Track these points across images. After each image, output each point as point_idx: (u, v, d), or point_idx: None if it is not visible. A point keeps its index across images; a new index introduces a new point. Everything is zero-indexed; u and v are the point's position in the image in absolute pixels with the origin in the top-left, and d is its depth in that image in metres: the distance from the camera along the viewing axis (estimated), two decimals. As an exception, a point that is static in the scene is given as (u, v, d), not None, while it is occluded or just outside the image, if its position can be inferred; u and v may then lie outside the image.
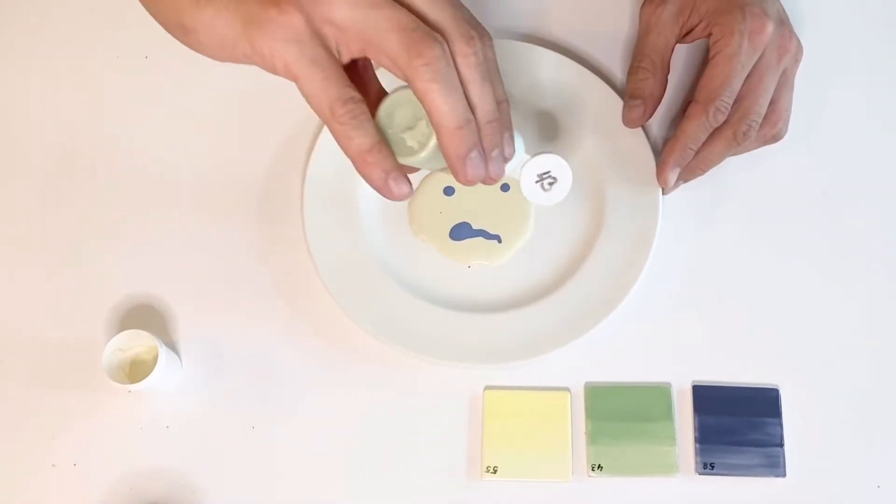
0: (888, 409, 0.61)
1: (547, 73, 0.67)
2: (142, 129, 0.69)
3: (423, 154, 0.50)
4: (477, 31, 0.48)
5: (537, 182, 0.55)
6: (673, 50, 0.64)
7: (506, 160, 0.51)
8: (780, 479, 0.59)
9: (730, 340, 0.63)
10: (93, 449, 0.61)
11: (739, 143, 0.61)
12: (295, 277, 0.64)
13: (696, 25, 0.63)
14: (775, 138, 0.63)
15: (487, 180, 0.50)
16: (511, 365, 0.61)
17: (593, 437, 0.60)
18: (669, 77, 0.64)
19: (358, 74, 0.51)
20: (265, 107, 0.68)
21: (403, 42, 0.45)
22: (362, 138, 0.47)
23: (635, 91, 0.64)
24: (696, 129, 0.60)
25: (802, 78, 0.63)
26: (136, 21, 0.64)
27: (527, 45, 0.68)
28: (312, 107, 0.47)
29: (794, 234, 0.65)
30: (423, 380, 0.62)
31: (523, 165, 0.54)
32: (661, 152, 0.63)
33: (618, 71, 0.69)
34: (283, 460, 0.60)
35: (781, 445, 0.60)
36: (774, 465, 0.59)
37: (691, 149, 0.61)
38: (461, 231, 0.65)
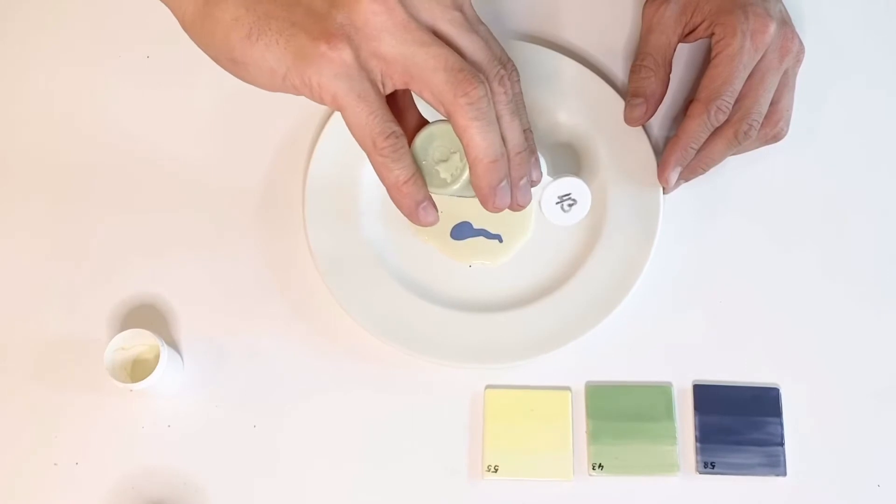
0: (889, 408, 0.61)
1: (546, 71, 0.67)
2: (144, 128, 0.69)
3: (456, 186, 0.53)
4: (506, 68, 0.50)
5: (557, 203, 0.57)
6: (675, 49, 0.64)
7: (533, 185, 0.54)
8: (780, 479, 0.59)
9: (730, 340, 0.63)
10: (95, 448, 0.61)
11: (740, 143, 0.61)
12: (297, 277, 0.64)
13: (699, 25, 0.63)
14: (776, 138, 0.63)
15: (516, 207, 0.53)
16: (512, 365, 0.61)
17: (594, 437, 0.60)
18: (671, 76, 0.64)
19: (397, 101, 0.53)
20: (266, 107, 0.68)
21: (450, 81, 0.47)
22: (400, 170, 0.50)
23: (637, 90, 0.64)
24: (697, 128, 0.60)
25: (804, 78, 0.64)
26: (137, 21, 0.64)
27: (528, 44, 0.68)
28: (356, 137, 0.49)
29: (795, 234, 0.65)
30: (424, 379, 0.62)
31: (545, 188, 0.56)
32: (662, 152, 0.63)
33: (619, 70, 0.69)
34: (284, 459, 0.61)
35: (782, 445, 0.60)
36: (775, 465, 0.59)
37: (692, 148, 0.61)
38: (462, 230, 0.65)
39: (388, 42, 0.47)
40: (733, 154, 0.63)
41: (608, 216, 0.64)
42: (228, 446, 0.61)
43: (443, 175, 0.53)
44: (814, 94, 0.67)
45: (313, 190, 0.64)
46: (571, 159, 0.66)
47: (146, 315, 0.64)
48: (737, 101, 0.60)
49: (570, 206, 0.57)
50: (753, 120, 0.60)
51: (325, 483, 0.60)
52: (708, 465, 0.59)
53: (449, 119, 0.49)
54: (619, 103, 0.65)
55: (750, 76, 0.60)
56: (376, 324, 0.61)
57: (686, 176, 0.62)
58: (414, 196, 0.51)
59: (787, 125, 0.63)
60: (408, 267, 0.64)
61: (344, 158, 0.65)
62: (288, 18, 0.47)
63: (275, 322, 0.63)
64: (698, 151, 0.62)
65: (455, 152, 0.52)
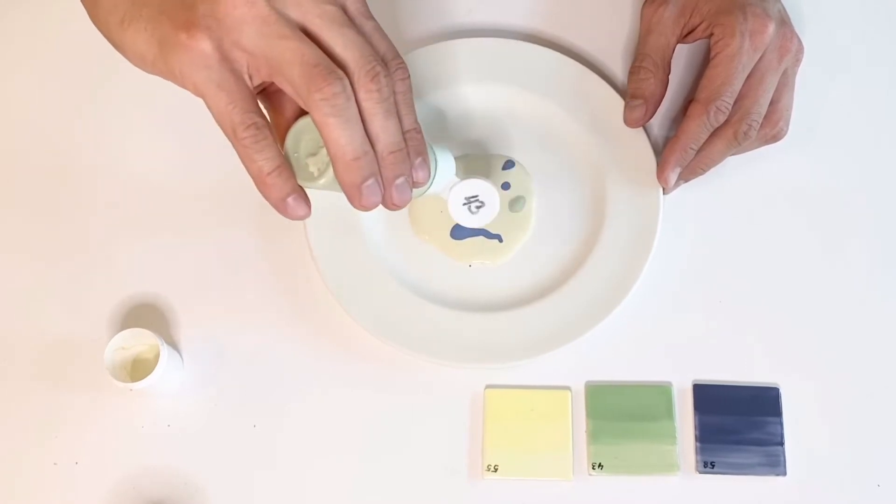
0: (888, 408, 0.61)
1: (547, 72, 0.67)
2: (144, 128, 0.69)
3: (322, 181, 0.52)
4: (384, 67, 0.49)
5: (465, 205, 0.58)
6: (674, 50, 0.64)
7: (416, 185, 0.53)
8: (780, 478, 0.59)
9: (730, 340, 0.63)
10: (94, 447, 0.61)
11: (740, 143, 0.61)
12: (297, 277, 0.64)
13: (698, 26, 0.63)
14: (776, 138, 0.63)
15: (390, 206, 0.52)
16: (512, 365, 0.61)
17: (594, 436, 0.60)
18: (670, 77, 0.65)
19: (278, 94, 0.53)
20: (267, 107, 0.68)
21: (304, 76, 0.47)
22: (263, 161, 0.49)
23: (636, 91, 0.64)
24: (697, 128, 0.61)
25: (803, 77, 0.64)
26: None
27: (527, 44, 0.68)
28: (219, 126, 0.49)
29: (795, 234, 0.65)
30: (424, 378, 0.62)
31: (452, 187, 0.57)
32: (661, 152, 0.63)
33: (618, 71, 0.69)
34: (284, 459, 0.61)
35: (782, 444, 0.60)
36: (775, 464, 0.59)
37: (692, 148, 0.61)
38: (462, 230, 0.65)
39: (248, 34, 0.47)
40: (733, 154, 0.63)
41: (608, 216, 0.64)
42: (228, 446, 0.61)
43: (311, 168, 0.52)
44: (813, 94, 0.67)
45: (314, 190, 0.64)
46: (570, 160, 0.66)
47: (146, 315, 0.64)
48: (736, 102, 0.60)
49: (477, 207, 0.58)
50: (753, 120, 0.60)
51: (325, 482, 0.60)
52: (708, 465, 0.59)
53: (310, 115, 0.49)
54: (619, 103, 0.65)
55: (749, 76, 0.60)
56: (376, 323, 0.61)
57: (686, 176, 0.63)
58: (280, 188, 0.50)
59: (787, 125, 0.63)
60: (408, 267, 0.64)
61: None
62: (158, 6, 0.48)
63: (275, 322, 0.63)
64: (698, 152, 0.62)
65: (322, 146, 0.51)
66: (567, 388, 0.62)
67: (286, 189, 0.50)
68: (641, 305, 0.63)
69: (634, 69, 0.65)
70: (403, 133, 0.51)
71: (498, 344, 0.61)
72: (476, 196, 0.58)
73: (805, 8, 0.69)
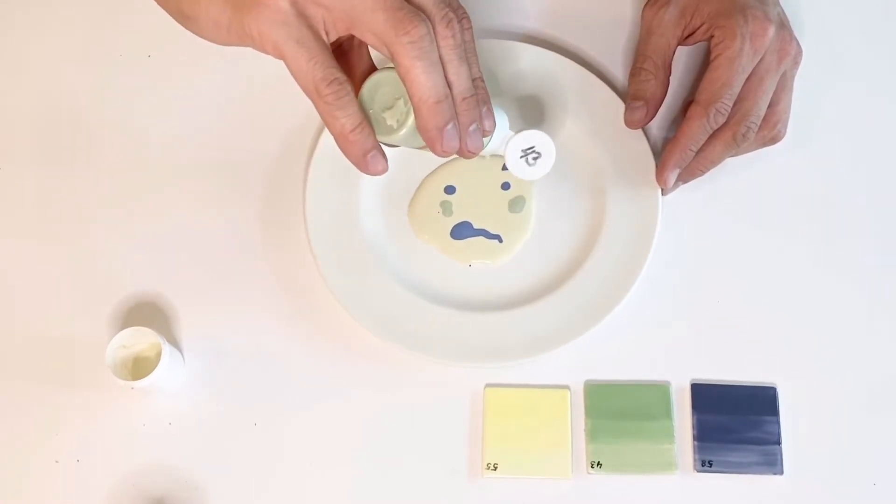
0: (885, 408, 0.61)
1: (547, 73, 0.67)
2: (144, 127, 0.69)
3: (402, 132, 0.52)
4: (456, 13, 0.50)
5: (521, 157, 0.57)
6: (674, 51, 0.65)
7: (485, 134, 0.53)
8: (777, 477, 0.60)
9: (728, 339, 0.63)
10: (95, 445, 0.61)
11: (739, 145, 0.61)
12: (297, 276, 0.64)
13: (698, 28, 0.63)
14: (774, 140, 0.63)
15: (466, 153, 0.52)
16: (511, 364, 0.62)
17: (593, 435, 0.60)
18: (670, 78, 0.65)
19: (349, 53, 0.53)
20: (267, 106, 0.68)
21: (390, 20, 0.47)
22: (346, 118, 0.49)
23: (637, 92, 0.64)
24: (696, 130, 0.61)
25: (802, 80, 0.64)
26: (138, 19, 0.64)
27: (526, 45, 0.68)
28: (300, 85, 0.49)
29: (793, 234, 0.65)
30: (424, 377, 0.62)
31: (508, 141, 0.56)
32: (661, 153, 0.64)
33: (618, 72, 0.70)
34: (284, 457, 0.61)
35: (779, 443, 0.60)
36: (772, 463, 0.60)
37: (691, 150, 0.61)
38: (462, 230, 0.65)
39: None
40: (732, 156, 0.63)
41: (607, 216, 0.64)
42: (229, 444, 0.61)
43: (389, 122, 0.52)
44: (812, 96, 0.67)
45: (314, 190, 0.64)
46: (570, 160, 0.66)
47: (148, 313, 0.64)
48: (735, 104, 0.61)
49: (534, 159, 0.57)
50: (752, 122, 0.61)
51: (326, 481, 0.60)
52: (705, 464, 0.60)
53: (392, 61, 0.48)
54: (619, 104, 0.65)
55: (748, 79, 0.61)
56: (377, 323, 0.62)
57: (685, 178, 0.63)
58: (362, 144, 0.50)
59: (785, 127, 0.63)
60: (408, 266, 0.64)
61: (345, 159, 0.65)
62: None
63: (276, 321, 0.64)
64: (697, 153, 0.62)
65: (399, 98, 0.51)
66: (566, 387, 0.62)
67: (368, 145, 0.50)
68: (640, 305, 0.63)
69: (635, 70, 0.65)
70: (475, 79, 0.51)
71: (497, 343, 0.62)
72: (532, 147, 0.57)
73: (803, 11, 0.69)
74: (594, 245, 0.63)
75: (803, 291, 0.64)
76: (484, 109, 0.53)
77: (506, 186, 0.66)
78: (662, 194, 0.64)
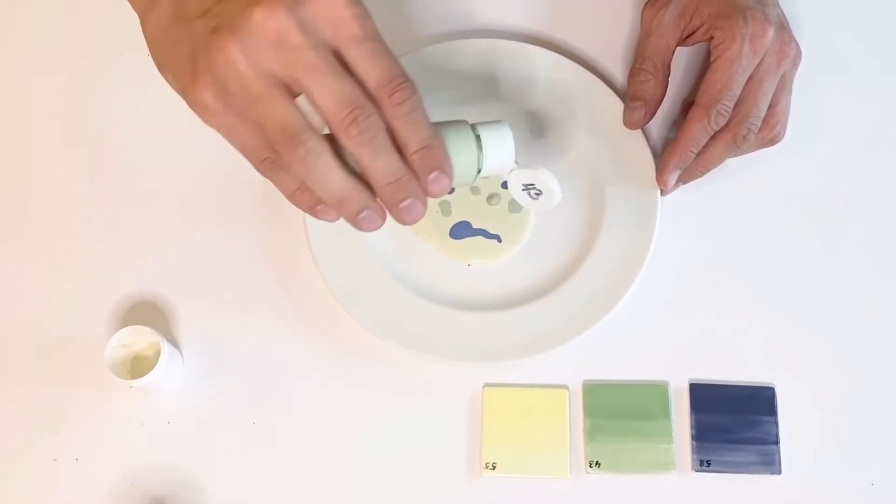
0: (883, 408, 0.62)
1: (546, 73, 0.67)
2: (144, 125, 0.69)
3: None
4: (366, 104, 0.48)
5: (524, 190, 0.57)
6: (674, 52, 0.65)
7: (435, 195, 0.51)
8: (775, 477, 0.60)
9: (726, 339, 0.63)
10: (95, 444, 0.61)
11: (739, 146, 0.61)
12: (297, 275, 0.65)
13: (698, 28, 0.63)
14: (773, 141, 0.63)
15: (405, 223, 0.51)
16: (510, 364, 0.62)
17: (591, 435, 0.61)
18: (669, 79, 0.65)
19: None
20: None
21: (281, 142, 0.48)
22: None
23: (636, 93, 0.64)
24: (697, 131, 0.61)
25: (803, 79, 0.64)
26: (138, 18, 0.64)
27: (526, 45, 0.68)
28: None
29: (790, 234, 0.66)
30: (422, 377, 0.62)
31: (511, 171, 0.56)
32: (660, 154, 0.64)
33: (617, 72, 0.70)
34: (283, 456, 0.61)
35: (777, 443, 0.60)
36: (770, 463, 0.60)
37: (692, 151, 0.62)
38: (461, 230, 0.65)
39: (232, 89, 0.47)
40: (731, 157, 0.63)
41: (606, 216, 0.64)
42: (228, 443, 0.61)
43: None
44: (812, 96, 0.67)
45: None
46: (570, 159, 0.66)
47: (146, 312, 0.64)
48: (735, 105, 0.61)
49: (536, 195, 0.57)
50: (752, 124, 0.61)
51: (324, 480, 0.60)
52: (704, 464, 0.60)
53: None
54: (618, 104, 0.66)
55: (748, 80, 0.61)
56: (375, 322, 0.62)
57: (685, 179, 0.63)
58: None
59: (784, 129, 0.63)
60: (407, 266, 0.64)
61: None
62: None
63: (275, 319, 0.64)
64: (697, 155, 0.62)
65: None
66: (565, 386, 0.62)
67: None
68: (639, 305, 0.63)
69: (634, 71, 0.65)
70: (411, 154, 0.50)
71: (496, 343, 0.62)
72: (532, 185, 0.57)
73: (802, 11, 0.70)
74: (593, 244, 0.64)
75: (802, 291, 0.64)
76: (431, 176, 0.50)
77: (506, 185, 0.66)
78: (662, 195, 0.64)
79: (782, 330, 0.63)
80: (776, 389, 0.62)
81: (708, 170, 0.63)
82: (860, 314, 0.64)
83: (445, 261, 0.65)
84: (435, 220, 0.65)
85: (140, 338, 0.60)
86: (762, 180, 0.67)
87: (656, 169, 0.63)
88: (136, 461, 0.61)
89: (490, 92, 0.67)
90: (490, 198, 0.66)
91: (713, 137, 0.62)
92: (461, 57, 0.68)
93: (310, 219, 0.63)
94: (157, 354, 0.59)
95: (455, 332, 0.62)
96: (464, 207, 0.65)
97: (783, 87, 0.63)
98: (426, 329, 0.62)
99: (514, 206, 0.65)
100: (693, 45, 0.65)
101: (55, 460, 0.61)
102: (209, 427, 0.61)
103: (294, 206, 0.52)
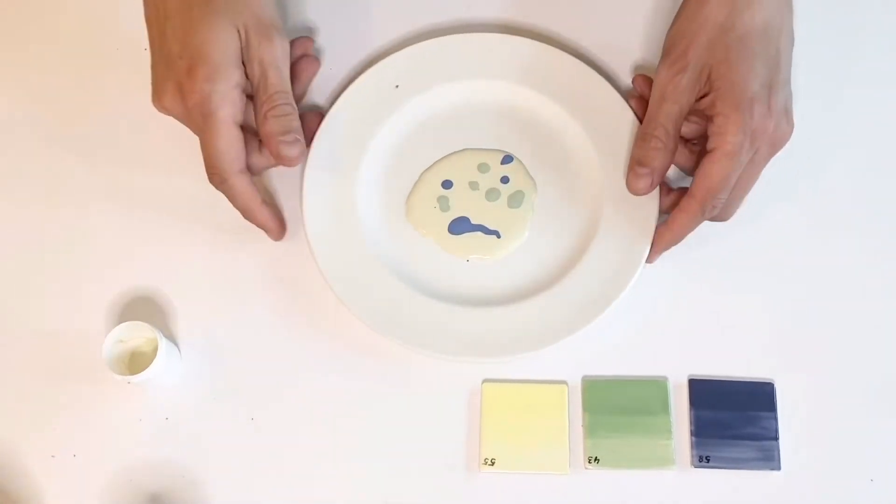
0: (882, 404, 0.61)
1: (547, 68, 0.67)
2: (142, 122, 0.68)
3: None
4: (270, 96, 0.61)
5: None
6: (686, 116, 0.62)
7: (287, 161, 0.61)
8: (774, 473, 0.60)
9: (726, 335, 0.63)
10: (92, 440, 0.61)
11: (705, 216, 0.61)
12: (295, 271, 0.64)
13: (706, 94, 0.61)
14: (721, 218, 0.63)
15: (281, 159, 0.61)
16: (509, 359, 0.62)
17: (590, 430, 0.61)
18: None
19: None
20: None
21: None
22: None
23: (645, 159, 0.62)
24: (688, 222, 0.61)
25: (810, 81, 0.64)
26: (136, 13, 0.64)
27: (526, 40, 0.68)
28: None
29: (790, 230, 0.66)
30: (421, 373, 0.62)
31: None
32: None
33: (617, 67, 0.69)
34: (281, 452, 0.61)
35: (776, 439, 0.60)
36: (769, 459, 0.60)
37: (681, 238, 0.62)
38: (460, 225, 0.65)
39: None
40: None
41: (606, 211, 0.64)
42: (226, 439, 0.61)
43: None
44: (814, 97, 0.67)
45: (312, 185, 0.64)
46: (569, 155, 0.66)
47: (144, 308, 0.64)
48: None
49: None
50: (719, 200, 0.60)
51: (323, 475, 0.60)
52: (703, 459, 0.60)
53: None
54: (619, 101, 0.65)
55: (743, 170, 0.60)
56: (374, 317, 0.61)
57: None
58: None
59: (736, 210, 0.63)
60: (406, 261, 0.64)
61: (342, 152, 0.65)
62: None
63: (273, 315, 0.64)
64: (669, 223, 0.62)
65: None
66: (564, 382, 0.62)
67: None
68: (638, 301, 0.63)
69: (645, 136, 0.62)
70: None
71: (495, 338, 0.61)
72: None
73: (803, 9, 0.69)
74: (592, 240, 0.63)
75: (801, 287, 0.64)
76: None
77: (505, 181, 0.65)
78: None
79: (781, 325, 0.63)
80: (776, 385, 0.62)
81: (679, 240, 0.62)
82: (859, 309, 0.64)
83: (445, 256, 0.65)
84: (433, 216, 0.65)
85: (138, 333, 0.60)
86: (763, 177, 0.66)
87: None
88: (134, 457, 0.61)
89: (490, 86, 0.67)
90: (489, 193, 0.65)
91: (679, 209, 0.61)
92: (460, 51, 0.67)
93: (308, 213, 0.64)
94: (155, 350, 0.59)
95: (453, 327, 0.62)
96: (463, 203, 0.65)
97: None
98: (425, 324, 0.62)
99: (513, 202, 0.65)
100: (696, 109, 0.62)
101: (53, 456, 0.61)
102: (207, 423, 0.61)
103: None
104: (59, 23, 0.71)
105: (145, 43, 0.69)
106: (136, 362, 0.61)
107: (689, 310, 0.64)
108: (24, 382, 0.62)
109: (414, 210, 0.65)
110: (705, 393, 0.61)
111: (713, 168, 0.59)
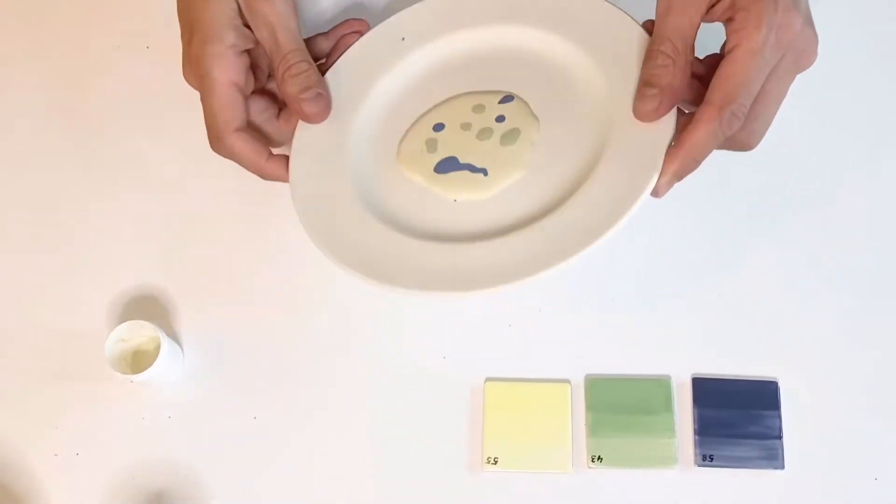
0: (886, 403, 0.61)
1: (558, 7, 0.63)
2: (142, 118, 0.69)
3: None
4: (287, 67, 0.61)
5: None
6: (697, 30, 0.55)
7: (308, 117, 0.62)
8: (778, 472, 0.60)
9: (729, 333, 0.63)
10: (95, 439, 0.61)
11: (725, 133, 0.53)
12: (297, 268, 0.64)
13: (718, 2, 0.53)
14: (744, 146, 0.56)
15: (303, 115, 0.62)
16: (496, 290, 0.56)
17: (593, 429, 0.60)
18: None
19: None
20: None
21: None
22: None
23: (652, 78, 0.54)
24: (706, 136, 0.52)
25: (805, 76, 0.63)
26: (136, 11, 0.64)
27: None
28: None
29: (794, 228, 0.65)
30: (424, 371, 0.62)
31: None
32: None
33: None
34: (284, 450, 0.61)
35: (780, 438, 0.60)
36: (773, 458, 0.60)
37: (697, 161, 0.53)
38: (447, 165, 0.62)
39: None
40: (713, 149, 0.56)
41: (612, 144, 0.58)
42: (228, 437, 0.61)
43: None
44: (813, 94, 0.66)
45: (305, 128, 0.63)
46: (577, 95, 0.61)
47: (146, 306, 0.64)
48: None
49: None
50: (740, 109, 0.53)
51: (325, 474, 0.60)
52: (706, 458, 0.60)
53: None
54: (630, 26, 0.59)
55: (767, 78, 0.53)
56: (362, 262, 0.58)
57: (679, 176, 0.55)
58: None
59: (762, 136, 0.56)
60: (390, 202, 0.62)
61: (342, 100, 0.64)
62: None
63: (275, 313, 0.64)
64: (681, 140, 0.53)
65: None
66: (567, 380, 0.62)
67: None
68: (640, 298, 0.63)
69: (651, 53, 0.55)
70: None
71: (480, 270, 0.57)
72: None
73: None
74: (592, 172, 0.58)
75: (804, 285, 0.64)
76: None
77: (500, 119, 0.63)
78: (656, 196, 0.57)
79: (785, 324, 0.63)
80: (779, 383, 0.61)
81: (698, 163, 0.54)
82: (863, 308, 0.63)
83: (431, 197, 0.61)
84: (421, 157, 0.62)
85: (140, 332, 0.60)
86: (765, 172, 0.66)
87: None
88: (136, 455, 0.61)
89: (499, 31, 0.65)
90: (481, 133, 0.62)
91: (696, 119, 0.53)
92: None
93: (293, 155, 0.62)
94: (158, 349, 0.59)
95: (438, 263, 0.58)
96: (451, 144, 0.62)
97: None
98: (413, 264, 0.58)
99: (507, 140, 0.61)
100: (710, 22, 0.55)
101: (56, 455, 0.61)
102: (210, 421, 0.61)
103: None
104: (59, 22, 0.71)
105: (145, 42, 0.69)
106: (138, 361, 0.62)
107: (693, 308, 0.63)
108: (26, 382, 0.62)
109: (402, 153, 0.63)
110: (708, 392, 0.61)
111: (734, 68, 0.51)
